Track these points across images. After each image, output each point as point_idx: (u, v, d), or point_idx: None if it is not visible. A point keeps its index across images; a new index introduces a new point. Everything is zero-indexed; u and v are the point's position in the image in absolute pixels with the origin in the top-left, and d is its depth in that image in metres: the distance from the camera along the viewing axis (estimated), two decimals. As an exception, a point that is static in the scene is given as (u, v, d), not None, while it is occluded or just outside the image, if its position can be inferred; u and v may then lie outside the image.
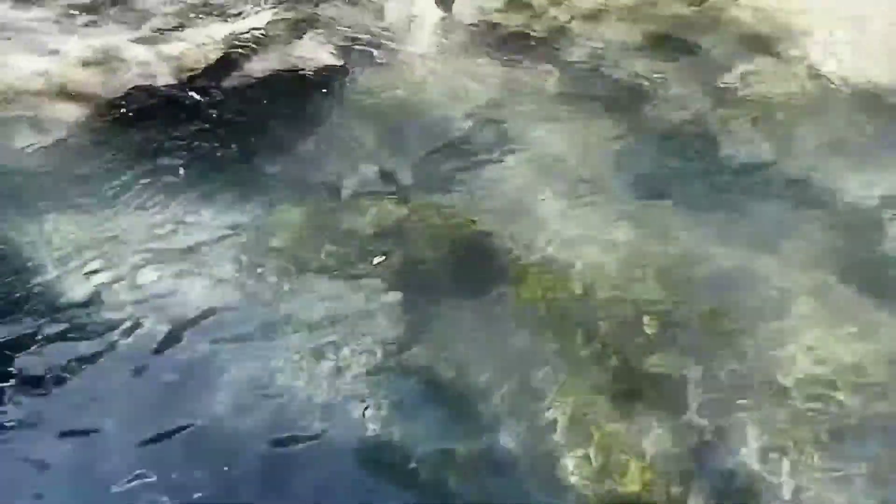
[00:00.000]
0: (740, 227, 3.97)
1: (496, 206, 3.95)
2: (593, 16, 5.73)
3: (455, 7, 5.69)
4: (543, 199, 4.03)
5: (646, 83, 5.01)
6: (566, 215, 3.91)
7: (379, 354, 3.21)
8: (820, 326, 3.44)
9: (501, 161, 4.29)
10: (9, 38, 4.84)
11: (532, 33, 5.49)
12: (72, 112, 4.26)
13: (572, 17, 5.68)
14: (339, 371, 3.13)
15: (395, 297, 3.46)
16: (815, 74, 4.98)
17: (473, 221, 3.84)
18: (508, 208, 3.94)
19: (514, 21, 5.65)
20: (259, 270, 3.53)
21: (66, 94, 4.39)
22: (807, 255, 3.82)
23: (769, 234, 3.94)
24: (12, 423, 2.84)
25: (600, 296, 3.54)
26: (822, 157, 4.39)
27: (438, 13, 5.38)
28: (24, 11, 5.25)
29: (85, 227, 3.62)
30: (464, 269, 3.64)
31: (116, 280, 3.42)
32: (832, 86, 4.88)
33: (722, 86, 4.96)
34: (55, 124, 4.14)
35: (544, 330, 3.37)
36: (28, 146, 3.97)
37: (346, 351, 3.23)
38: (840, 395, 3.14)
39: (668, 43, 5.36)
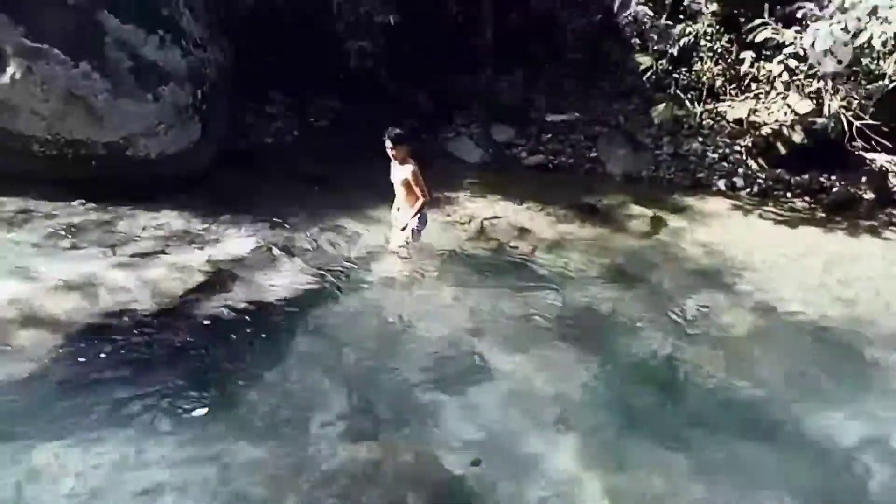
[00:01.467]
0: (706, 460, 3.91)
1: (474, 445, 3.79)
2: (554, 246, 6.18)
3: (429, 237, 6.08)
4: (520, 435, 3.96)
5: (605, 313, 5.21)
6: (546, 454, 3.83)
7: None
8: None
9: (477, 395, 4.21)
10: (-14, 262, 4.89)
11: (499, 263, 5.85)
12: (42, 340, 4.14)
13: (535, 248, 6.14)
14: None
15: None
16: (764, 309, 5.32)
17: (453, 466, 3.70)
18: (487, 448, 3.80)
19: (483, 251, 6.04)
20: None
21: (37, 321, 4.31)
22: (771, 489, 3.79)
23: (730, 466, 3.90)
24: None
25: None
26: (780, 389, 4.48)
27: (411, 243, 5.71)
28: (5, 233, 5.37)
29: (36, 465, 3.37)
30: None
31: None
32: (781, 320, 5.20)
33: (677, 318, 5.18)
34: (23, 354, 3.99)
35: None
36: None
37: None
38: None
39: (623, 275, 5.71)
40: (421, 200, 5.59)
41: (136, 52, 6.18)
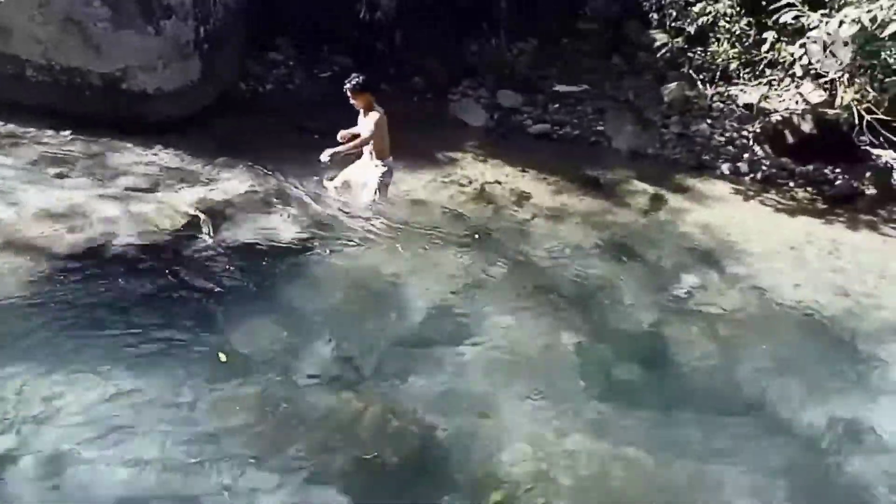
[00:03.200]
0: (682, 436, 3.87)
1: (453, 405, 3.75)
2: (553, 215, 6.07)
3: (428, 197, 5.97)
4: (500, 400, 3.90)
5: (600, 285, 5.14)
6: (524, 420, 3.77)
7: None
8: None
9: (460, 355, 4.16)
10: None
11: (495, 227, 5.74)
12: (19, 266, 4.04)
13: (534, 216, 6.04)
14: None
15: (342, 500, 3.18)
16: (757, 293, 5.26)
17: (431, 424, 3.65)
18: (465, 409, 3.74)
19: (480, 214, 5.91)
20: (191, 451, 3.20)
21: (16, 246, 4.20)
22: (756, 468, 3.77)
23: (706, 442, 3.86)
24: None
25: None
26: (769, 375, 4.46)
27: (377, 199, 5.55)
28: (-7, 157, 5.24)
29: (6, 392, 3.29)
30: (415, 474, 3.38)
31: (38, 450, 3.05)
32: (774, 305, 5.13)
33: (671, 295, 5.12)
34: (2, 279, 3.91)
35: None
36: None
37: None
38: None
39: (620, 249, 5.61)
40: (383, 151, 5.36)
41: (141, -18, 5.97)
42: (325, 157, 5.18)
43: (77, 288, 3.99)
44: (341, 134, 5.45)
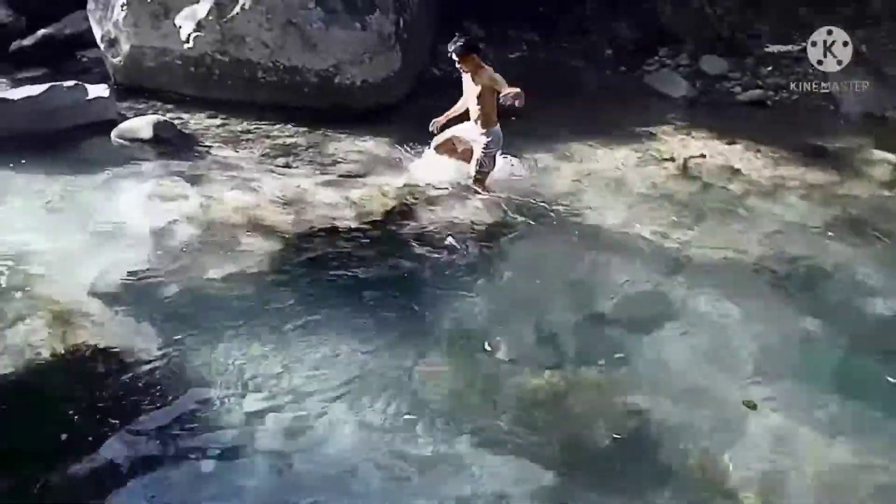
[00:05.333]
0: None
1: (665, 390, 3.63)
2: (771, 192, 5.59)
3: (624, 175, 5.80)
4: (718, 388, 3.72)
5: (829, 269, 4.62)
6: (747, 412, 3.57)
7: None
8: None
9: (669, 339, 4.00)
10: (218, 176, 5.53)
11: (703, 205, 5.44)
12: (262, 246, 4.64)
13: (748, 192, 5.61)
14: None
15: (549, 478, 3.24)
16: None
17: (638, 406, 3.60)
18: (678, 395, 3.62)
19: (684, 191, 5.63)
20: (405, 421, 3.46)
21: (258, 228, 4.84)
22: None
23: None
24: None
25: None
26: None
27: (485, 169, 5.37)
28: (232, 151, 6.00)
29: (254, 355, 3.80)
30: (628, 458, 3.35)
31: (271, 409, 3.50)
32: None
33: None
34: (246, 256, 4.51)
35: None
36: (221, 273, 4.34)
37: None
38: None
39: (857, 228, 4.99)
40: (490, 116, 5.12)
41: (348, -19, 6.46)
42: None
43: (309, 265, 4.46)
44: (436, 123, 5.42)
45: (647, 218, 5.23)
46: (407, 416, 3.47)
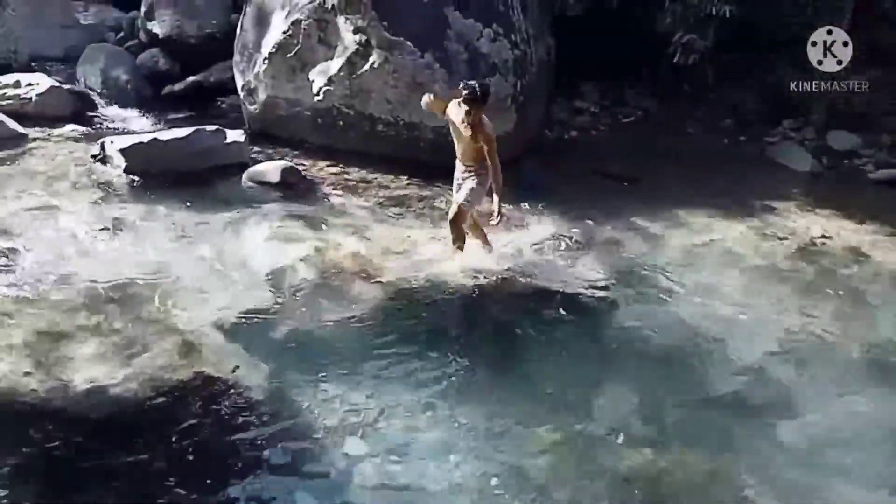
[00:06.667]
0: None
1: (769, 480, 3.46)
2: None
3: (740, 249, 5.61)
4: (823, 482, 3.46)
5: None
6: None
7: None
8: None
9: (776, 424, 3.83)
10: (335, 221, 5.85)
11: (822, 289, 5.10)
12: (371, 293, 4.81)
13: (875, 277, 5.24)
14: None
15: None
16: None
17: (742, 495, 3.42)
18: (784, 489, 3.43)
19: (803, 273, 5.35)
20: (498, 483, 3.40)
21: (369, 275, 5.04)
22: None
23: None
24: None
25: None
26: None
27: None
28: (351, 198, 6.33)
29: (356, 400, 3.92)
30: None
31: (367, 455, 3.57)
32: None
33: None
34: (357, 302, 4.68)
35: None
36: (331, 317, 4.53)
37: None
38: None
39: None
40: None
41: (472, 45, 6.76)
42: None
43: (416, 316, 4.62)
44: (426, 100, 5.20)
45: (763, 297, 5.03)
46: (495, 479, 3.46)
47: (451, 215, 5.18)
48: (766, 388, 4.14)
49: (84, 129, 7.22)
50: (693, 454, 3.64)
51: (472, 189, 5.13)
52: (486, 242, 5.34)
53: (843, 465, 3.61)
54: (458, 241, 5.19)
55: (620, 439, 3.74)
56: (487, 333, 4.49)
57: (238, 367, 4.00)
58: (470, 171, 5.17)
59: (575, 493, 3.41)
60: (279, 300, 4.66)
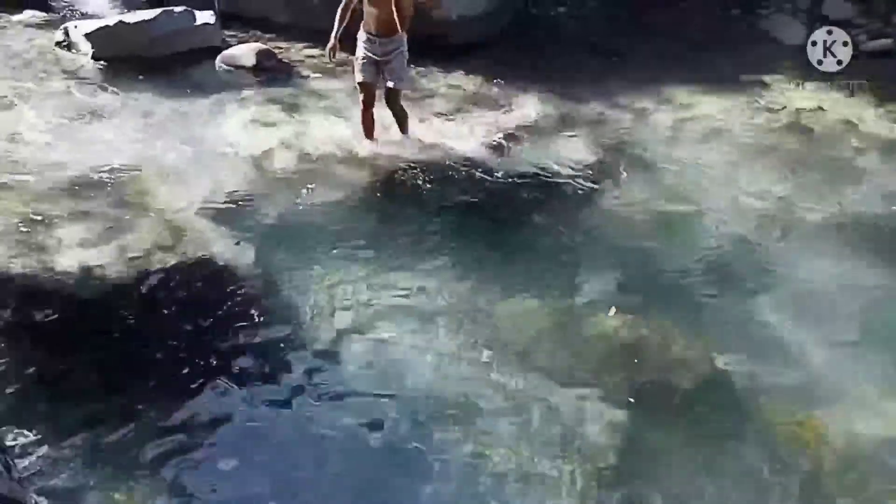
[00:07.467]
0: None
1: (743, 344, 3.61)
2: (890, 151, 5.22)
3: (727, 124, 5.56)
4: (808, 348, 3.62)
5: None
6: (839, 376, 3.47)
7: (593, 481, 3.05)
8: None
9: (756, 293, 3.95)
10: (314, 105, 5.71)
11: (809, 159, 5.15)
12: (354, 175, 4.80)
13: (864, 149, 5.24)
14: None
15: (618, 415, 3.30)
16: None
17: (715, 358, 3.57)
18: (756, 350, 3.58)
19: (791, 144, 5.34)
20: (482, 353, 3.54)
21: (352, 159, 4.98)
22: None
23: None
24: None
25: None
26: None
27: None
28: (326, 82, 6.15)
29: (344, 278, 4.00)
30: (700, 406, 3.36)
31: (356, 331, 3.66)
32: None
33: None
34: (339, 185, 4.68)
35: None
36: (315, 200, 4.54)
37: (556, 464, 3.11)
38: None
39: None
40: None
41: None
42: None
43: (399, 197, 4.62)
44: (332, 50, 4.89)
45: (748, 171, 5.04)
46: (484, 350, 3.58)
47: (389, 99, 4.93)
48: (747, 262, 4.22)
49: (44, 14, 6.85)
50: (670, 318, 3.76)
51: (403, 66, 4.93)
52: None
53: (820, 330, 3.71)
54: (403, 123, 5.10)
55: (608, 302, 3.84)
56: (474, 214, 4.50)
57: (240, 242, 4.04)
58: (392, 42, 4.83)
59: (555, 358, 3.53)
60: (262, 184, 4.63)
